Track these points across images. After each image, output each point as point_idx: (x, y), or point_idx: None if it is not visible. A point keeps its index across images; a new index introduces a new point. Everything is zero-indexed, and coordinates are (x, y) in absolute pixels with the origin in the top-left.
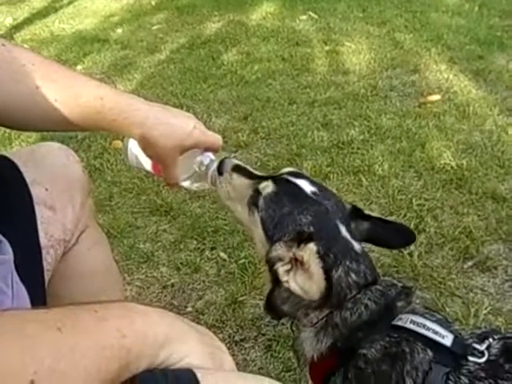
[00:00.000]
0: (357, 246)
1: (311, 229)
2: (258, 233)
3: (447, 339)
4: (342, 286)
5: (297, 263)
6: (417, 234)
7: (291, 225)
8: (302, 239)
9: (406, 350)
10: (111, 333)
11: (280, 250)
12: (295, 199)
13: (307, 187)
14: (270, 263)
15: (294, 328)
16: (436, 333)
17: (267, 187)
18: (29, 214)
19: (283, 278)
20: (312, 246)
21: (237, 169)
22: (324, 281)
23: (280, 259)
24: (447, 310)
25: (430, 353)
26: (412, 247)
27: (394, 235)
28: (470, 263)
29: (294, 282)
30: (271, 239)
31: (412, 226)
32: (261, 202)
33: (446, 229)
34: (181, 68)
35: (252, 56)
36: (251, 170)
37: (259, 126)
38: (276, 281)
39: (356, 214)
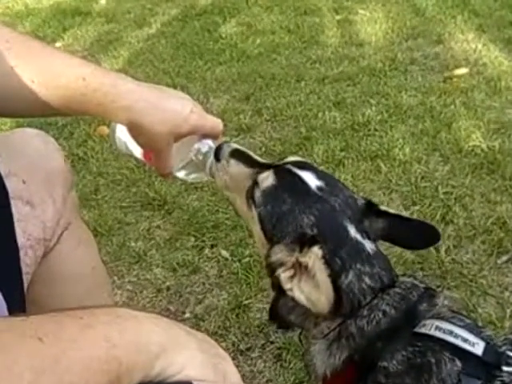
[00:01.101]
0: (369, 246)
1: (315, 230)
2: (257, 231)
3: (478, 347)
4: (355, 291)
5: (301, 268)
6: (444, 225)
7: (291, 225)
8: (304, 242)
9: (432, 360)
10: (99, 342)
11: (280, 253)
12: (297, 195)
13: (312, 181)
14: (271, 268)
15: (302, 339)
16: (465, 340)
17: (266, 179)
18: (3, 211)
19: (286, 285)
20: (316, 251)
21: (236, 154)
22: (333, 292)
23: (281, 264)
24: (479, 311)
25: (458, 363)
26: None
27: (415, 235)
28: (504, 258)
29: (299, 291)
30: (270, 240)
31: (438, 217)
32: (258, 196)
33: (476, 219)
34: (173, 43)
35: (254, 28)
36: (253, 155)
37: (263, 106)
38: (279, 288)
39: (370, 210)
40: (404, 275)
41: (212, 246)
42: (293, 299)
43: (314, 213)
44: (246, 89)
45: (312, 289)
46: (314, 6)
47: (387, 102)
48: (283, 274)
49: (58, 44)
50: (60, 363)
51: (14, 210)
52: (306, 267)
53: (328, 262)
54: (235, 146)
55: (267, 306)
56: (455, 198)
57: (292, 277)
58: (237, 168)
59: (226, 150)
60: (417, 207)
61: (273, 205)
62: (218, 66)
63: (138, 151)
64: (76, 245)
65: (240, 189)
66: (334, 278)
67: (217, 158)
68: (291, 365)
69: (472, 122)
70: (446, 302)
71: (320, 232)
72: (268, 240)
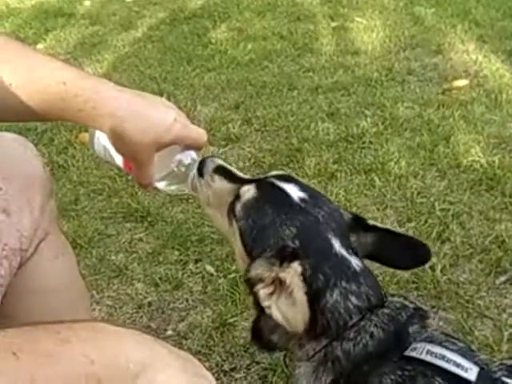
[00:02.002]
0: (355, 262)
1: (296, 243)
2: (238, 246)
3: (471, 372)
4: (340, 311)
5: (281, 285)
6: (440, 243)
7: (272, 238)
8: (284, 256)
9: None
10: (77, 358)
11: (260, 268)
12: (278, 207)
13: (295, 193)
14: (250, 284)
15: (287, 362)
16: (458, 365)
17: (247, 192)
18: None
19: (264, 302)
20: (296, 267)
21: (220, 170)
22: (308, 310)
23: (261, 280)
24: (476, 333)
25: None
26: (435, 259)
27: (405, 252)
28: (502, 278)
29: (277, 309)
30: (250, 254)
31: (434, 235)
32: (238, 208)
33: (474, 238)
34: (160, 47)
35: (245, 33)
36: (237, 172)
37: (253, 115)
38: (260, 306)
39: (358, 224)
40: (394, 295)
41: (196, 261)
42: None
43: (295, 224)
44: (236, 97)
45: (289, 307)
46: (309, 12)
47: (383, 114)
48: (262, 291)
49: (39, 46)
50: (35, 380)
51: None
52: (285, 284)
53: (307, 279)
54: (219, 161)
55: None
56: (452, 215)
57: (271, 294)
58: (220, 184)
59: (210, 166)
60: (412, 224)
61: (253, 218)
62: (206, 72)
63: (117, 159)
64: (54, 256)
65: (222, 204)
66: (312, 296)
67: (200, 173)
68: None
69: (471, 136)
70: (440, 323)
71: (302, 245)
72: (248, 255)
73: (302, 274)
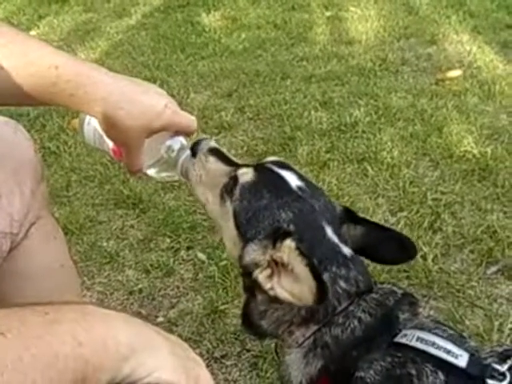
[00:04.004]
0: (346, 249)
1: (291, 227)
2: (230, 228)
3: (461, 359)
4: (329, 296)
5: (277, 265)
6: (432, 233)
7: (268, 220)
8: (277, 237)
9: (413, 372)
10: (65, 339)
11: (253, 253)
12: (276, 191)
13: (293, 180)
14: (246, 270)
15: (278, 351)
16: (448, 352)
17: (246, 174)
18: None
19: (266, 285)
20: (289, 243)
21: (214, 151)
22: (313, 280)
23: (256, 264)
24: (467, 322)
25: (441, 376)
26: (426, 249)
27: (391, 247)
28: (493, 268)
29: (281, 288)
30: (244, 236)
31: (426, 224)
32: (236, 190)
33: (466, 228)
34: (154, 35)
35: (239, 22)
36: (231, 156)
37: (246, 104)
38: (251, 290)
39: (348, 216)
40: (383, 283)
41: (188, 248)
42: (264, 302)
43: (292, 210)
44: (229, 85)
45: (293, 283)
46: (303, 2)
47: (376, 104)
48: (260, 275)
49: (32, 32)
50: (23, 360)
51: None
52: (283, 263)
53: (303, 252)
54: (213, 143)
55: None
56: (444, 205)
57: (270, 276)
58: (214, 164)
59: (205, 146)
60: (404, 213)
61: (250, 199)
62: (200, 60)
63: (107, 145)
64: (44, 240)
65: (214, 185)
66: (312, 266)
67: (193, 152)
68: (268, 374)
69: (464, 127)
70: (431, 313)
71: (296, 229)
72: (241, 237)
73: (297, 248)
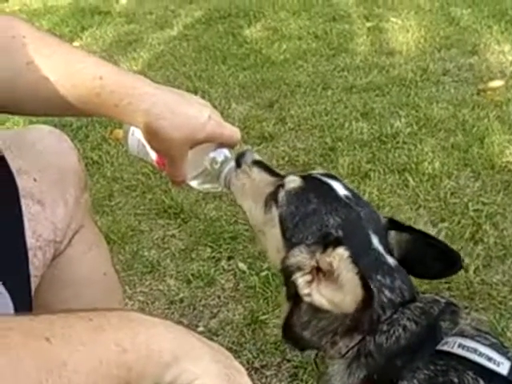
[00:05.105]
0: (390, 259)
1: (340, 232)
2: (274, 235)
3: (503, 367)
4: (375, 305)
5: (319, 274)
6: (473, 244)
7: (316, 225)
8: (328, 243)
9: (455, 380)
10: (109, 346)
11: (300, 256)
12: (324, 197)
13: (340, 189)
14: (287, 273)
15: (317, 361)
16: (490, 359)
17: (293, 181)
18: (14, 209)
19: (303, 290)
20: (342, 252)
21: (259, 164)
22: (361, 289)
23: (299, 268)
24: (508, 334)
25: (482, 383)
26: (468, 260)
27: (436, 257)
28: None
29: (319, 295)
30: (290, 241)
31: (468, 235)
32: (282, 195)
33: (507, 239)
34: (195, 46)
35: (280, 33)
36: (274, 168)
37: (287, 114)
38: (295, 299)
39: (393, 225)
40: (428, 293)
41: (229, 258)
42: (309, 312)
43: (340, 216)
44: (270, 96)
45: (334, 291)
46: (344, 12)
47: (417, 114)
48: (301, 279)
49: (75, 44)
50: (67, 365)
51: (24, 208)
52: (329, 270)
53: (354, 261)
54: (258, 156)
55: None
56: (486, 216)
57: (310, 282)
58: (259, 175)
59: (249, 157)
60: (445, 224)
61: (297, 205)
62: (241, 71)
63: (151, 156)
64: (87, 249)
65: (259, 194)
66: (362, 275)
67: (238, 163)
68: None
69: (506, 137)
70: (472, 324)
71: (345, 235)
72: (286, 242)
73: (350, 257)
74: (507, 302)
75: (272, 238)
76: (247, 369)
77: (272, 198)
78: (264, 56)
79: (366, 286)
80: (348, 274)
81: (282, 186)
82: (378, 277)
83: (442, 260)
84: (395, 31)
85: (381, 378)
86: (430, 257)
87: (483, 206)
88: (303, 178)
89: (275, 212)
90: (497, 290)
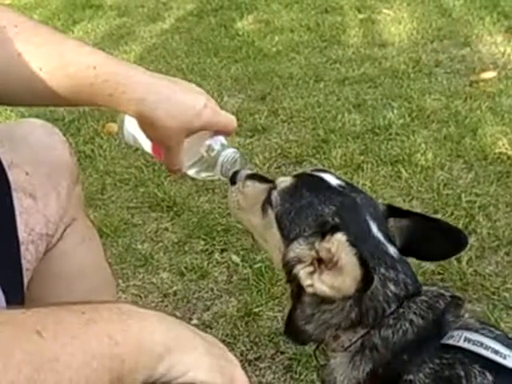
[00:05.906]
0: (392, 249)
1: (336, 220)
2: (274, 235)
3: (510, 359)
4: (379, 299)
5: (320, 265)
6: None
7: (311, 216)
8: (326, 230)
9: (461, 373)
10: (101, 339)
11: (299, 248)
12: (316, 189)
13: (332, 180)
14: (288, 267)
15: (317, 354)
16: (496, 352)
17: (284, 181)
18: (5, 203)
19: (306, 281)
20: (340, 237)
21: (252, 176)
22: (360, 267)
23: (300, 260)
24: (502, 325)
25: (489, 376)
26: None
27: (439, 238)
28: None
29: (321, 283)
30: (288, 238)
31: (461, 227)
32: (275, 196)
33: (501, 230)
34: (188, 39)
35: (272, 25)
36: (268, 176)
37: (279, 106)
38: (297, 295)
39: (392, 211)
40: (425, 285)
41: (222, 251)
42: (312, 305)
43: (335, 203)
44: (262, 88)
45: (334, 277)
46: (336, 4)
47: (410, 106)
48: (302, 271)
49: None
50: (59, 358)
51: (15, 202)
52: (329, 257)
53: (353, 243)
54: (250, 171)
55: (278, 315)
56: (479, 207)
57: (312, 273)
58: (252, 186)
59: (243, 175)
60: (438, 215)
61: (291, 201)
62: (233, 63)
63: (147, 145)
64: (80, 242)
65: (254, 204)
66: (360, 254)
67: (233, 181)
68: (302, 376)
69: (498, 128)
70: (466, 315)
71: (342, 222)
72: (286, 240)
73: (348, 240)
74: (500, 293)
75: (272, 240)
76: (241, 361)
77: (267, 201)
78: (256, 48)
79: (364, 265)
80: (347, 256)
81: (274, 188)
82: (382, 269)
83: (447, 239)
84: (387, 23)
85: (386, 372)
86: (434, 238)
87: (476, 197)
88: (294, 176)
89: (271, 214)
90: (490, 281)
